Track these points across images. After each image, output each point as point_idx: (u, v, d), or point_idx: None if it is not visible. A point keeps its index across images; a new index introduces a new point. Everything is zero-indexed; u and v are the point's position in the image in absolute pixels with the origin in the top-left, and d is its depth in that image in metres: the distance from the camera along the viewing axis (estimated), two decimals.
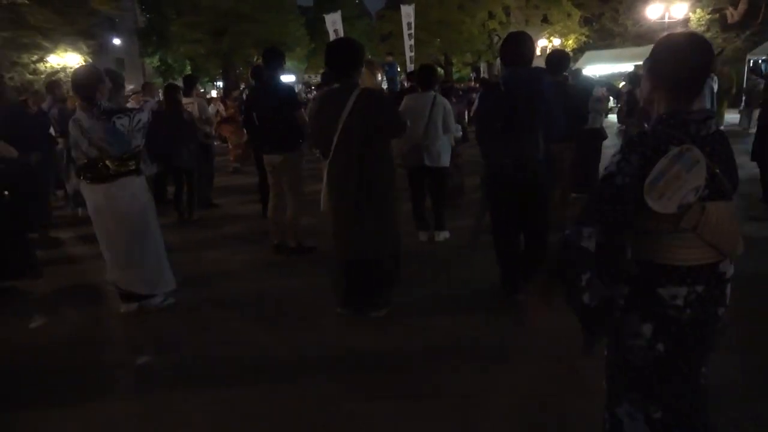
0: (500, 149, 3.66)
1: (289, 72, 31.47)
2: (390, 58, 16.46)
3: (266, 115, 5.10)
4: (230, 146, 11.29)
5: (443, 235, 5.56)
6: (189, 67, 32.45)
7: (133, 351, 3.55)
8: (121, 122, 3.73)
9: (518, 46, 3.59)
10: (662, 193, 1.57)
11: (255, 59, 34.35)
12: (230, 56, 30.88)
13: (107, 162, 3.76)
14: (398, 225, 3.85)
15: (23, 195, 4.93)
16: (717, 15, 23.32)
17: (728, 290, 1.75)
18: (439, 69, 25.76)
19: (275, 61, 5.21)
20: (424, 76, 5.48)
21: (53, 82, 7.68)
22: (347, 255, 3.75)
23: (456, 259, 5.01)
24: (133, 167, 3.88)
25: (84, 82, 3.74)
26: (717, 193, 1.64)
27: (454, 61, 28.77)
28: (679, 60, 1.67)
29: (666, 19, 22.56)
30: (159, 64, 33.22)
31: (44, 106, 7.13)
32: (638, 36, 25.06)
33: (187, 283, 4.45)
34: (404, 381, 3.02)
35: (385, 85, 11.84)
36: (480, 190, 4.58)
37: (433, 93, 5.31)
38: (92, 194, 3.86)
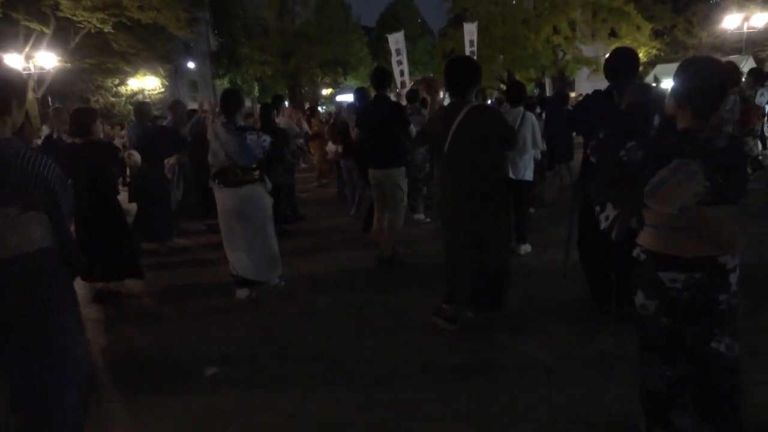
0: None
1: (351, 90, 31.99)
2: None
3: (375, 131, 5.24)
4: (314, 162, 11.54)
5: (524, 248, 5.49)
6: (257, 88, 33.82)
7: (221, 350, 3.69)
8: (251, 137, 4.40)
9: (630, 59, 3.63)
10: (664, 197, 1.90)
11: (320, 79, 35.40)
12: (296, 76, 31.93)
13: (237, 170, 4.39)
14: (503, 236, 3.80)
15: (152, 205, 6.01)
16: None
17: (732, 279, 2.00)
18: (501, 85, 25.48)
19: (383, 79, 5.38)
20: (513, 92, 5.56)
21: (176, 101, 8.05)
22: (457, 263, 3.81)
23: (533, 273, 4.89)
24: (256, 177, 4.48)
25: (231, 102, 4.51)
26: (719, 198, 1.90)
27: (518, 77, 28.44)
28: (690, 84, 1.97)
29: (744, 29, 21.46)
30: (229, 85, 34.76)
31: (165, 123, 7.54)
32: (714, 48, 23.95)
33: (278, 292, 4.68)
34: (476, 397, 2.93)
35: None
36: (571, 198, 4.44)
37: (522, 109, 5.37)
38: (222, 196, 4.48)
